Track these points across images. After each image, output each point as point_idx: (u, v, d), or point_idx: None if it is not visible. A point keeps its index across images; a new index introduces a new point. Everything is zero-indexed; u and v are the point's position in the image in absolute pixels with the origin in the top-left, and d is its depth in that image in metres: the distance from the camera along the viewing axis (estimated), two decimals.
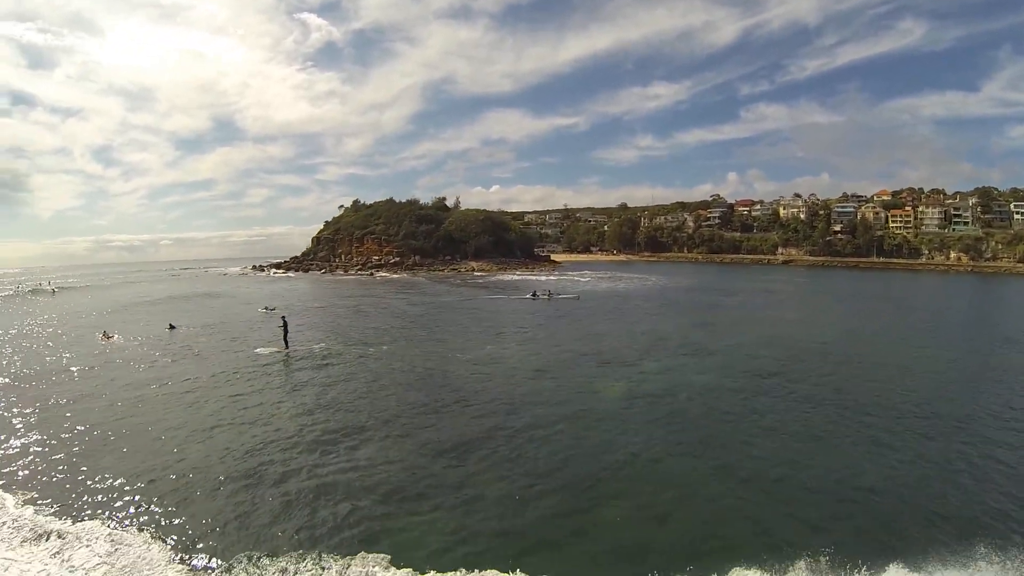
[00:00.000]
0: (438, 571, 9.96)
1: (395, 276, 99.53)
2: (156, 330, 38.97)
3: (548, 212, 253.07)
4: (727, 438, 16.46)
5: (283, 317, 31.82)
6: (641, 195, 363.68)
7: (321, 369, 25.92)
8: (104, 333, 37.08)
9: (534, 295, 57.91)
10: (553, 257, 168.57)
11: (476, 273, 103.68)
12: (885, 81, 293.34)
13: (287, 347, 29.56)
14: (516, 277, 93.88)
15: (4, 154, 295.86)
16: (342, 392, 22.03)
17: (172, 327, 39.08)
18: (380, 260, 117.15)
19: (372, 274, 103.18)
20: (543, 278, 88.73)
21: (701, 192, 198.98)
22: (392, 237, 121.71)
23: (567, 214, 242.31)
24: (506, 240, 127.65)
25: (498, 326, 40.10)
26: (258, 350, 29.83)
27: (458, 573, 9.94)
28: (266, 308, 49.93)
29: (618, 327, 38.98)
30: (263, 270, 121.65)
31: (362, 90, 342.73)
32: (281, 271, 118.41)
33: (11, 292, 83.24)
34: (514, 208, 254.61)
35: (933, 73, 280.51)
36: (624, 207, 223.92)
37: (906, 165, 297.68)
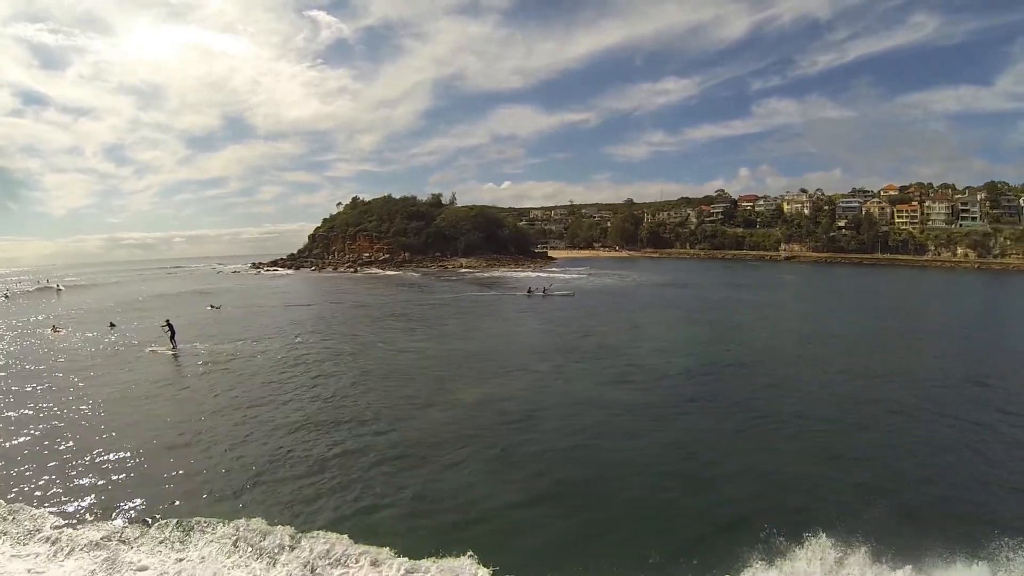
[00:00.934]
0: None
1: (380, 272, 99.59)
2: (102, 327, 40.17)
3: (554, 208, 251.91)
4: (542, 462, 14.71)
5: (168, 321, 31.97)
6: (652, 191, 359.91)
7: (187, 368, 26.53)
8: (53, 327, 39.10)
9: (529, 292, 56.75)
10: (552, 253, 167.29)
11: (463, 270, 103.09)
12: (897, 76, 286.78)
13: (174, 347, 30.13)
14: (498, 274, 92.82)
15: (18, 153, 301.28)
16: (189, 388, 22.63)
17: (112, 325, 40.15)
18: (370, 257, 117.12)
19: (356, 271, 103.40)
20: (526, 275, 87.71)
21: (712, 188, 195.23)
22: (383, 234, 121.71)
23: (572, 210, 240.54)
24: (499, 236, 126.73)
25: (436, 325, 39.43)
26: (148, 349, 30.31)
27: None
28: (211, 306, 50.46)
29: (546, 324, 38.43)
30: (258, 268, 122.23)
31: (372, 87, 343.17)
32: (277, 269, 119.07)
33: (7, 292, 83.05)
34: (525, 204, 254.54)
35: (946, 67, 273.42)
36: (630, 203, 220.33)
37: (919, 161, 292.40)
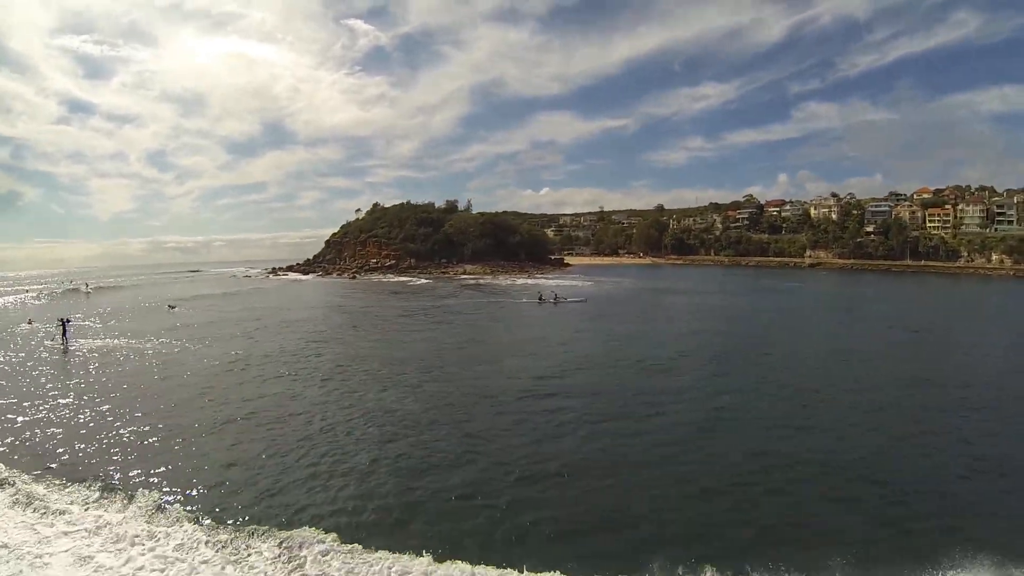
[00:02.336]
0: None
1: (377, 279, 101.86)
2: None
3: (583, 215, 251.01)
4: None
5: (62, 319, 35.20)
6: (690, 198, 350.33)
7: (59, 359, 29.70)
8: (29, 320, 46.65)
9: (540, 299, 56.82)
10: (571, 260, 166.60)
11: (463, 276, 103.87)
12: (940, 76, 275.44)
13: (65, 343, 33.17)
14: (487, 280, 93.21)
15: (64, 159, 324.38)
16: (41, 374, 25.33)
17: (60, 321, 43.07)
18: (377, 263, 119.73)
19: (354, 277, 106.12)
20: (511, 282, 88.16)
21: (752, 193, 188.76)
22: (392, 240, 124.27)
23: (602, 216, 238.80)
24: (509, 243, 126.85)
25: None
26: (47, 342, 33.99)
27: None
28: (169, 307, 54.85)
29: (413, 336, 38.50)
30: (272, 272, 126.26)
31: (411, 93, 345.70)
32: (288, 273, 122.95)
33: (49, 293, 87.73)
34: (566, 210, 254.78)
35: (990, 66, 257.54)
36: (661, 209, 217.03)
37: (964, 164, 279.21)
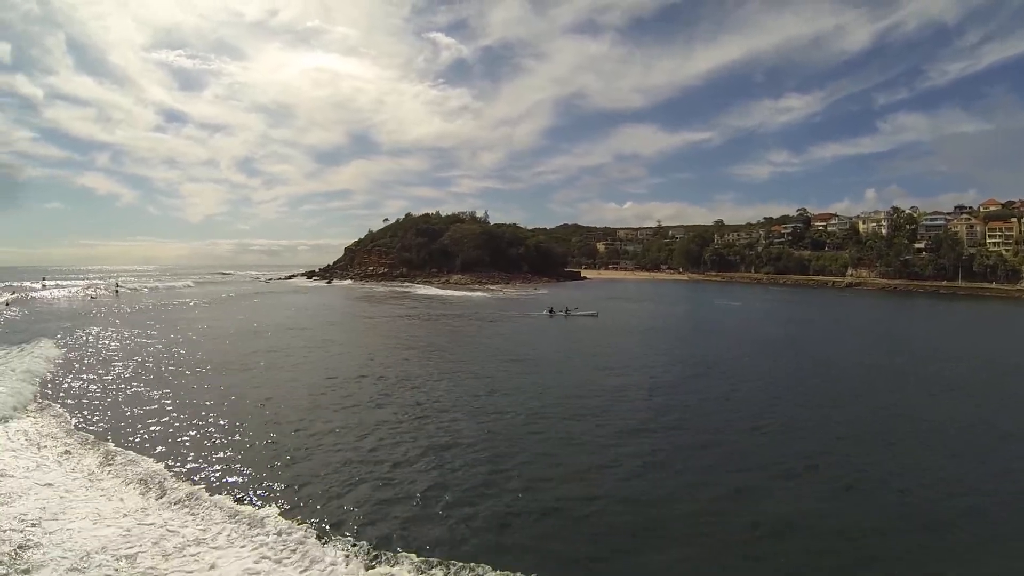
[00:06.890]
0: None
1: (351, 284, 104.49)
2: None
3: (640, 229, 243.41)
4: None
5: None
6: (774, 213, 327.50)
7: None
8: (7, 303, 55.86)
9: (551, 312, 55.55)
10: (594, 275, 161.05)
11: (420, 287, 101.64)
12: None
13: None
14: (465, 293, 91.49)
15: (160, 165, 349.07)
16: None
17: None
18: (373, 271, 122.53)
19: (330, 282, 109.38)
20: (501, 295, 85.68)
21: (837, 211, 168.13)
22: (391, 249, 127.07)
23: (657, 231, 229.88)
24: (508, 255, 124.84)
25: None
26: None
27: None
28: (90, 297, 67.09)
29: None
30: (291, 278, 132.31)
31: (494, 105, 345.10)
32: (301, 279, 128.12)
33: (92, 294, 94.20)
34: (647, 224, 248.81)
35: None
36: (720, 224, 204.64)
37: None
